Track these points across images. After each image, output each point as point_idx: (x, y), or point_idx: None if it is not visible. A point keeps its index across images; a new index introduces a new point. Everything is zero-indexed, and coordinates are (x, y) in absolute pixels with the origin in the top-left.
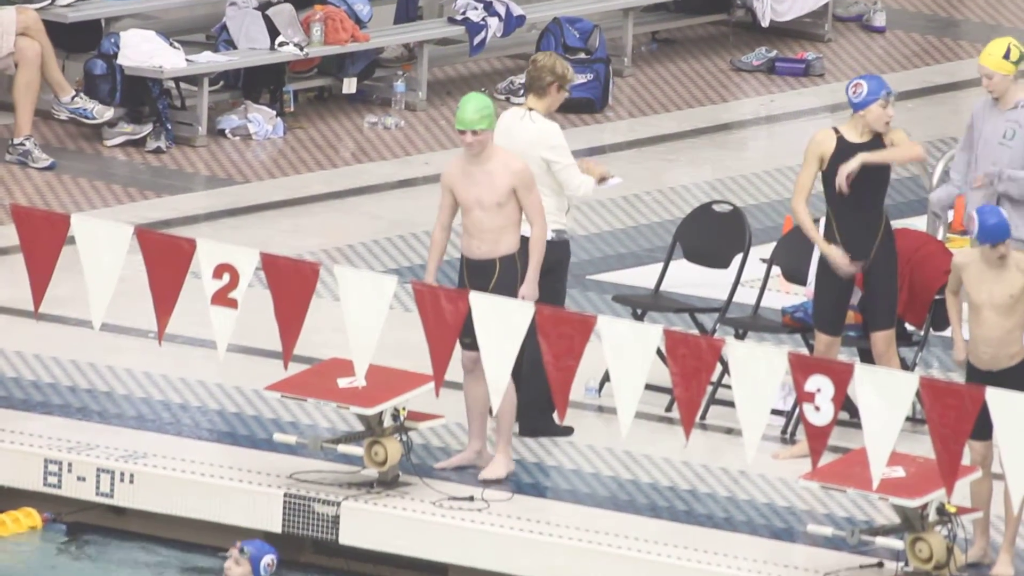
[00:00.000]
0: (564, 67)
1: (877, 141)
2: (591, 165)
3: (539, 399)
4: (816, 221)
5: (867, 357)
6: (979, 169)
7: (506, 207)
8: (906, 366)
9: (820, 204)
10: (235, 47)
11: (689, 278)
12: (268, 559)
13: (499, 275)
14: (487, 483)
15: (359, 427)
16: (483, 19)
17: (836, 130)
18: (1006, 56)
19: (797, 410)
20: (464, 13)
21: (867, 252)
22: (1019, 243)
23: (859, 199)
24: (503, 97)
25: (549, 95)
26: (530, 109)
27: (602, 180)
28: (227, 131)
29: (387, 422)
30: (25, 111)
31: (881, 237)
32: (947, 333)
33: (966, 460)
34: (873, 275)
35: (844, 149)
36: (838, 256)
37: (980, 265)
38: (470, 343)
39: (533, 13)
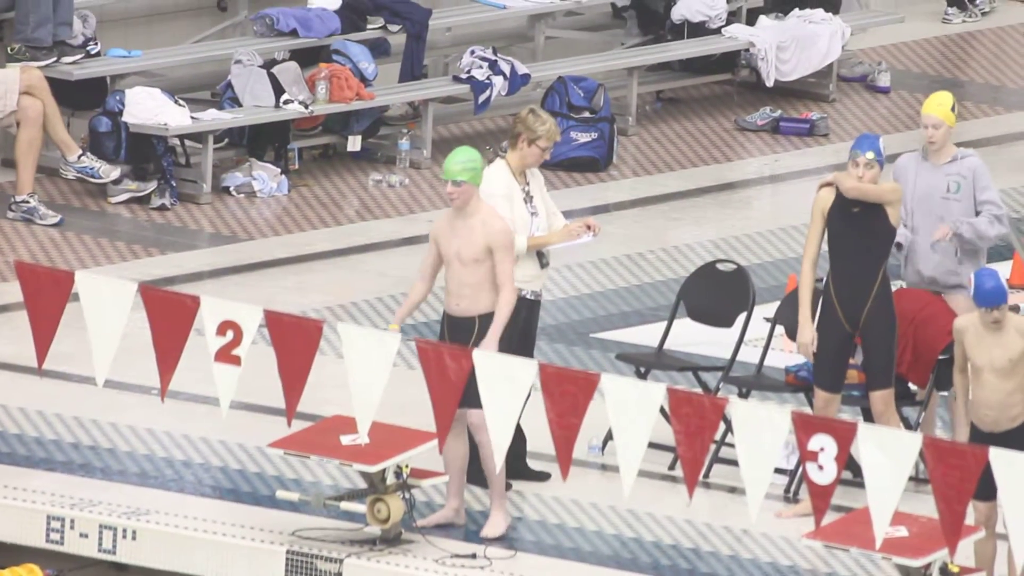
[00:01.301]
0: (539, 122)
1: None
2: (572, 227)
3: (514, 442)
4: (820, 280)
5: (870, 416)
6: (918, 227)
7: (484, 264)
8: (909, 426)
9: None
10: (240, 105)
11: (693, 337)
12: None
13: (478, 334)
14: (488, 540)
15: (362, 484)
16: (488, 78)
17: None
18: (952, 108)
19: (800, 469)
20: (469, 72)
21: (860, 311)
22: (962, 289)
23: (857, 258)
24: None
25: (519, 148)
26: (502, 158)
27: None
28: (231, 188)
29: (390, 479)
30: (27, 169)
31: (874, 298)
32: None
33: (970, 520)
34: (867, 335)
35: (839, 204)
36: (803, 337)
37: (979, 328)
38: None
39: (538, 72)
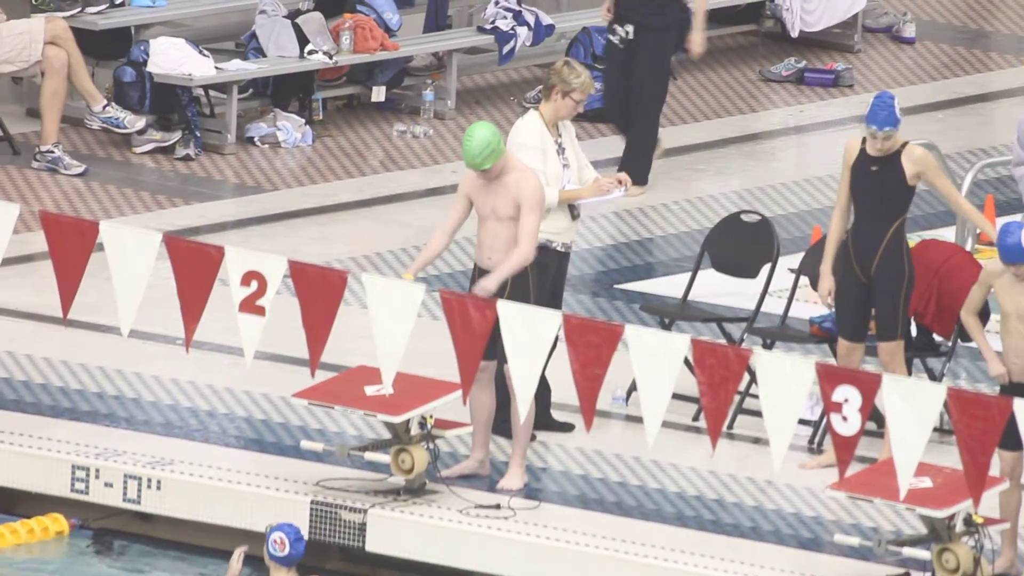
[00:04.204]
0: (574, 75)
1: (894, 158)
2: (603, 182)
3: (539, 393)
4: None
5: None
6: None
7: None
8: (934, 377)
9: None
10: (264, 55)
11: (717, 288)
12: (276, 536)
13: (510, 289)
14: (505, 492)
15: (386, 435)
16: (512, 28)
17: (864, 139)
18: None
19: (824, 420)
20: (493, 22)
21: (871, 262)
22: None
23: (872, 213)
24: (533, 106)
25: (552, 100)
26: (535, 110)
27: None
28: (256, 139)
29: (414, 430)
30: (51, 120)
31: (884, 251)
32: (975, 344)
33: (994, 471)
34: (876, 287)
35: (861, 160)
36: (821, 288)
37: (1011, 275)
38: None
39: (562, 23)
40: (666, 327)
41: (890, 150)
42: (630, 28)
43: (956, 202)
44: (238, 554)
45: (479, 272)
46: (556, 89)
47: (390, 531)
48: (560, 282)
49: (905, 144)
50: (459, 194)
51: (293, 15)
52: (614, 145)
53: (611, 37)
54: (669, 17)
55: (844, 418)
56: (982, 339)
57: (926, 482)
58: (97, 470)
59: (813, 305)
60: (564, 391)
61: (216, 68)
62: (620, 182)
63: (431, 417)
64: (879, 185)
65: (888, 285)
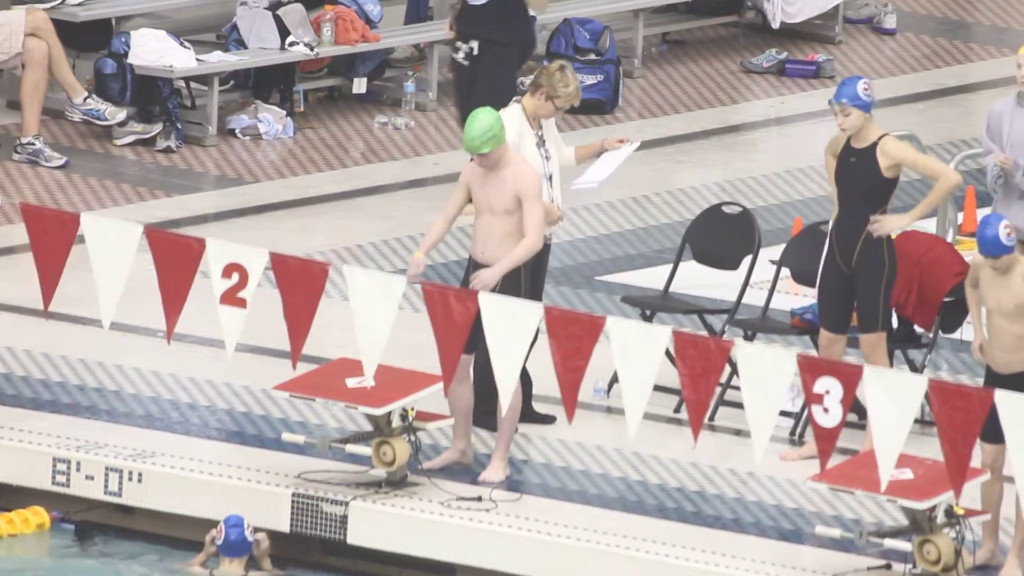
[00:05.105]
0: (563, 84)
1: (870, 150)
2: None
3: (521, 385)
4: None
5: None
6: (1012, 175)
7: (515, 215)
8: (915, 368)
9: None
10: (245, 47)
11: (698, 279)
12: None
13: (502, 283)
14: (486, 484)
15: (368, 427)
16: None
17: None
18: None
19: (806, 412)
20: None
21: (852, 253)
22: None
23: (852, 203)
24: (516, 99)
25: (535, 97)
26: (518, 102)
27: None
28: (237, 131)
29: (396, 422)
30: (32, 111)
31: (863, 242)
32: (956, 336)
33: (976, 462)
34: (857, 278)
35: (844, 152)
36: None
37: (989, 269)
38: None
39: (543, 15)
40: (647, 319)
41: (854, 129)
42: (475, 44)
43: (945, 176)
44: (210, 538)
45: (473, 265)
46: (542, 90)
47: (372, 523)
48: (541, 274)
49: (883, 136)
50: (460, 183)
51: (274, 6)
52: (592, 136)
53: (454, 55)
54: (515, 33)
55: (825, 410)
56: (976, 313)
57: (907, 474)
58: (78, 463)
59: (794, 296)
60: (546, 383)
61: (197, 60)
62: (622, 141)
63: (412, 409)
64: (857, 177)
65: (869, 277)
